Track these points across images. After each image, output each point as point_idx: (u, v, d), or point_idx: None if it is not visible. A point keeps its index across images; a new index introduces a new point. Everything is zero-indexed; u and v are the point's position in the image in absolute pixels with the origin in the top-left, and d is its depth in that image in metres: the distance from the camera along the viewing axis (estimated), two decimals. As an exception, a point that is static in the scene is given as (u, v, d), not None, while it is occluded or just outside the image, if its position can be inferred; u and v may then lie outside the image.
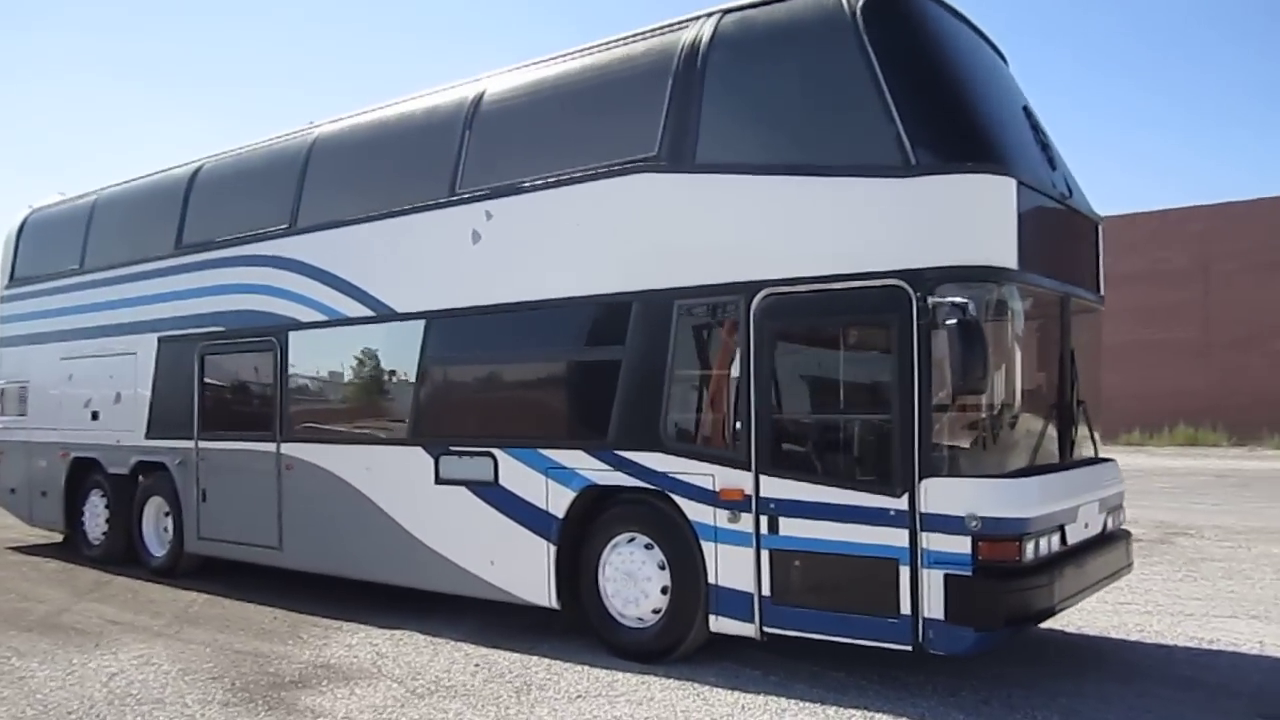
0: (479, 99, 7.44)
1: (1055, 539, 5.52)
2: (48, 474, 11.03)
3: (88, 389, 10.51)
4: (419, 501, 7.44)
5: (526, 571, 6.80)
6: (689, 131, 6.22)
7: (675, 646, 6.17)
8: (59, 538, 11.99)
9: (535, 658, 6.44)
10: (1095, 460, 6.59)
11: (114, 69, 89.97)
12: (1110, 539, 6.36)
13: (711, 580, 5.98)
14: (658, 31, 6.70)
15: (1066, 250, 6.44)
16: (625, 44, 6.85)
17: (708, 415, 6.18)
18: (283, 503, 8.45)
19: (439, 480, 7.29)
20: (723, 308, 6.04)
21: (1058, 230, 6.31)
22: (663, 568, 6.24)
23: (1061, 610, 5.53)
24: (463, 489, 7.15)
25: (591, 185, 6.61)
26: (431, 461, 7.33)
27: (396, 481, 7.61)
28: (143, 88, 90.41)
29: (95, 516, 10.58)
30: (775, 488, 5.73)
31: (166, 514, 9.91)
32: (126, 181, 10.88)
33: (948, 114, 5.65)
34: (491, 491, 6.98)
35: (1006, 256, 5.37)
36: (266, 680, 6.05)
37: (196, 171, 9.78)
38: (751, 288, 5.84)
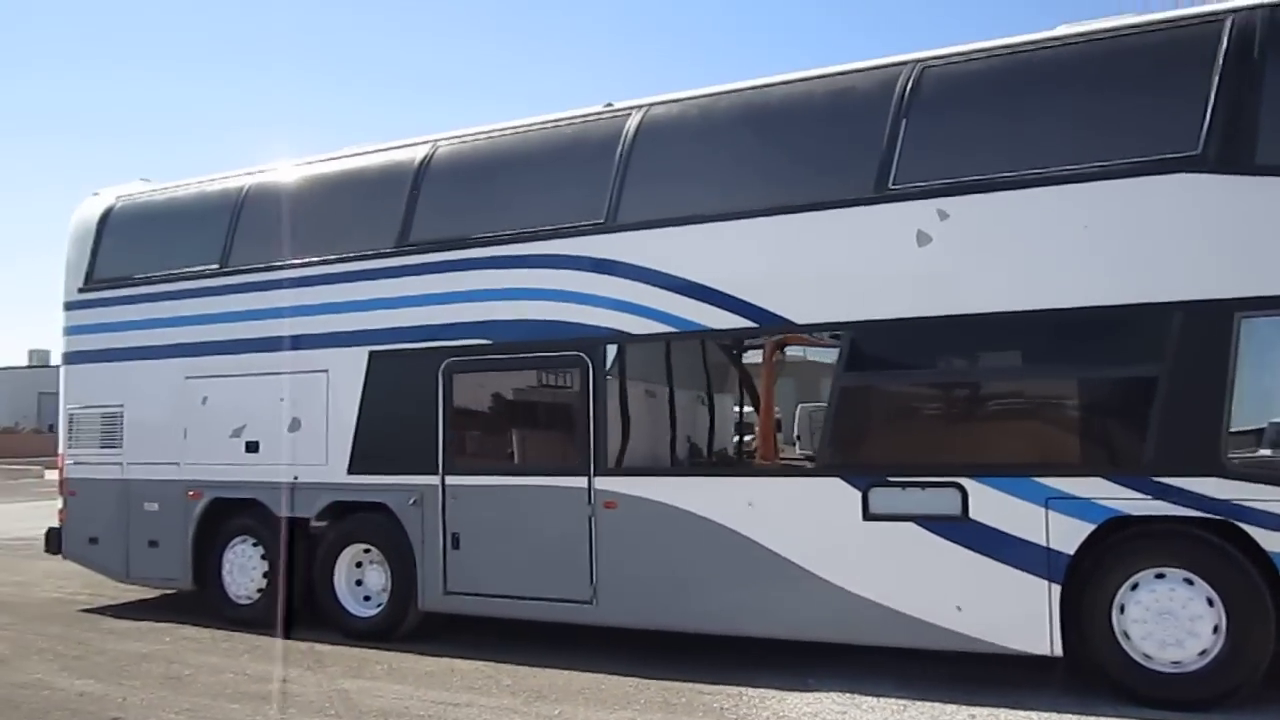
0: (917, 80, 6.60)
1: None
2: (163, 519, 8.96)
3: (237, 415, 8.62)
4: (838, 542, 6.48)
5: (1014, 616, 6.04)
6: (1243, 130, 5.77)
7: (1233, 692, 5.64)
8: (134, 594, 9.84)
9: (1055, 714, 5.71)
10: None
11: None
12: None
13: (1299, 618, 5.51)
14: (1165, 25, 6.21)
15: None
16: (1124, 36, 6.28)
17: (1288, 436, 5.72)
18: (598, 548, 7.17)
19: (869, 516, 6.39)
20: None
21: None
22: (1211, 604, 5.71)
23: None
24: (909, 525, 6.29)
25: (1104, 185, 6.00)
26: (857, 495, 6.41)
27: (799, 519, 6.60)
28: None
29: (245, 569, 8.70)
30: None
31: (359, 565, 8.28)
32: (295, 164, 9.05)
33: None
34: (958, 527, 6.16)
35: None
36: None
37: (429, 157, 8.23)
38: None
